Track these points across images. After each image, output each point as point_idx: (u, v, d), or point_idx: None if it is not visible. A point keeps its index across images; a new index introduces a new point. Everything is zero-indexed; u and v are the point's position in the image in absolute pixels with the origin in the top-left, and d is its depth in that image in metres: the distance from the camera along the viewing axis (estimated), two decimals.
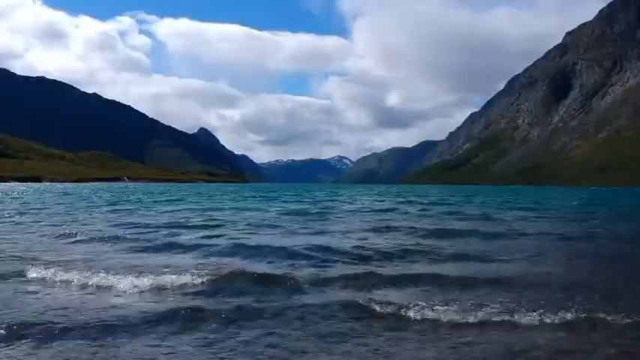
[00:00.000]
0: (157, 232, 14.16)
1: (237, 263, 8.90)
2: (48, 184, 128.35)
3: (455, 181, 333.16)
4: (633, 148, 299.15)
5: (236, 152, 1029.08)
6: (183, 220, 18.36)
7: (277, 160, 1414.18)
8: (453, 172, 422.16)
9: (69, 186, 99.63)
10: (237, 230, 14.54)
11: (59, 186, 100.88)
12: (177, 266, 8.57)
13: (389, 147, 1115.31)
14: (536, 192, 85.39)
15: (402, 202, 35.30)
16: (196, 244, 11.33)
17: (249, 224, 16.54)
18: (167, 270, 8.01)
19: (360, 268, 8.49)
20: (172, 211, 24.02)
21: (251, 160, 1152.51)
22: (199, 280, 7.28)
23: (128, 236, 12.69)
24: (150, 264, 8.94)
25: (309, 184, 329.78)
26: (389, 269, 8.54)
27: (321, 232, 14.20)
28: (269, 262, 9.11)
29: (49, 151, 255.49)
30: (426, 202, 38.95)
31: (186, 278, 7.37)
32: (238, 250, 10.32)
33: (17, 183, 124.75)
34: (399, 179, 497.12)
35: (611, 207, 34.69)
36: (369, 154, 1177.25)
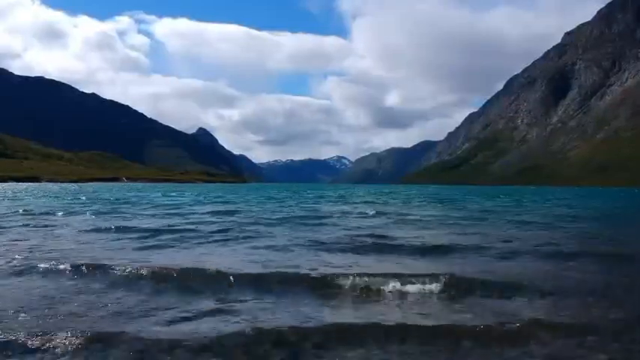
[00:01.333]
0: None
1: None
2: (46, 184, 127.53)
3: (454, 181, 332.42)
4: (632, 148, 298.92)
5: (235, 152, 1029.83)
6: (134, 224, 15.88)
7: (276, 160, 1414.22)
8: (452, 172, 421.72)
9: (63, 186, 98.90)
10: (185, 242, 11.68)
11: (50, 186, 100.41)
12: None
13: (388, 147, 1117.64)
14: (534, 192, 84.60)
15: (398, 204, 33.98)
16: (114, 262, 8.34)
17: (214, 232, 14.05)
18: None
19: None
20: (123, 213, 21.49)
21: (250, 160, 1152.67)
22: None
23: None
24: None
25: (308, 184, 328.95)
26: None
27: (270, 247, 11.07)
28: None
29: (48, 151, 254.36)
30: (418, 202, 37.83)
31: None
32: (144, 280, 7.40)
33: (15, 183, 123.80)
34: (398, 179, 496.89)
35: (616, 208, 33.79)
36: (367, 154, 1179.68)
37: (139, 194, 49.58)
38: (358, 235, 13.09)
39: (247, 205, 29.71)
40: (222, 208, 26.70)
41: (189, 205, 29.43)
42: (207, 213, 22.36)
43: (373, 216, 21.73)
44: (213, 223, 17.10)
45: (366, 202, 34.90)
